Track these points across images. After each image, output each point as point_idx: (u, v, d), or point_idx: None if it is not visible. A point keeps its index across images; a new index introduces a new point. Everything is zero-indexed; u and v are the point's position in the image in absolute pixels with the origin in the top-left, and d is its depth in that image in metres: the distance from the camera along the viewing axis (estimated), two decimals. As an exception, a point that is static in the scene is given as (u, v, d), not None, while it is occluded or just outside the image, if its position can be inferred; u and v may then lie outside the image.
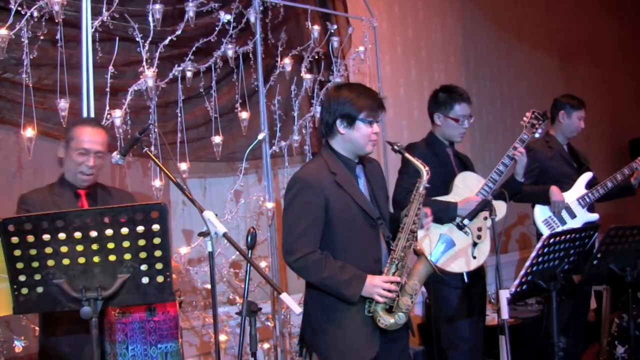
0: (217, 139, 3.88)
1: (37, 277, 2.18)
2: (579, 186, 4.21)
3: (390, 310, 2.77)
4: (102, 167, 2.98)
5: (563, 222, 4.12)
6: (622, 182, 4.26)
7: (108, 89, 3.39)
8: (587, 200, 4.17)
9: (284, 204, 2.88)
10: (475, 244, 3.51)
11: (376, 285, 2.72)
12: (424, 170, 2.83)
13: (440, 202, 3.48)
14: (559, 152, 4.32)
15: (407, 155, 2.86)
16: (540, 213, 4.16)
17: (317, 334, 2.83)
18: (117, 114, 3.38)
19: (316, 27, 4.38)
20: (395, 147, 2.86)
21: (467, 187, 3.59)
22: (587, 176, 4.24)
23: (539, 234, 4.17)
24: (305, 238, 2.75)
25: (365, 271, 2.76)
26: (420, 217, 2.84)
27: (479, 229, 3.52)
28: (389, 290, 2.73)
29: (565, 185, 4.19)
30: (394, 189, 3.59)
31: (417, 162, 2.84)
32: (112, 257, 2.20)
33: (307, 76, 4.34)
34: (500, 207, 3.45)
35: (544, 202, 4.14)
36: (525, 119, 3.77)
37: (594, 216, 4.19)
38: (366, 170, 2.95)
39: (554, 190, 4.11)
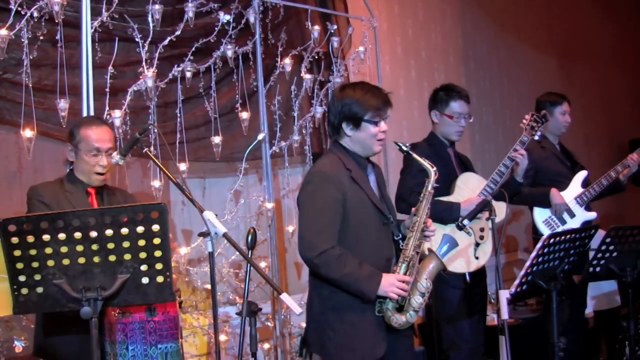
0: (217, 139, 3.87)
1: (37, 277, 2.18)
2: (575, 185, 4.20)
3: (400, 309, 2.77)
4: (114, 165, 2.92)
5: (563, 222, 4.12)
6: (616, 179, 4.25)
7: (108, 89, 3.39)
8: (585, 199, 4.16)
9: (300, 199, 2.82)
10: (477, 245, 3.51)
11: (392, 284, 2.70)
12: (432, 170, 2.84)
13: (444, 202, 3.49)
14: (553, 152, 4.29)
15: (415, 155, 2.86)
16: (540, 213, 4.14)
17: (325, 334, 2.77)
18: (117, 114, 3.38)
19: (316, 27, 4.38)
20: (403, 147, 2.88)
21: (468, 188, 3.59)
22: (582, 175, 4.23)
23: (538, 235, 4.16)
24: (326, 233, 2.71)
25: (378, 268, 2.75)
26: (428, 215, 2.84)
27: (482, 230, 3.52)
28: (403, 290, 2.73)
29: (561, 185, 4.17)
30: (397, 188, 3.61)
31: (425, 163, 2.85)
32: (112, 258, 2.20)
33: (307, 76, 4.34)
34: (501, 208, 3.45)
35: (543, 205, 4.12)
36: (524, 121, 3.76)
37: (592, 215, 4.18)
38: (375, 170, 2.96)
39: (554, 192, 4.08)
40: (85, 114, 3.26)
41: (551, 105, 4.25)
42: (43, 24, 3.19)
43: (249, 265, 2.66)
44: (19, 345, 3.08)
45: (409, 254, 2.79)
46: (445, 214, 3.44)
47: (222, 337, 3.92)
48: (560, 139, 4.38)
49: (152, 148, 3.54)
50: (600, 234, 3.27)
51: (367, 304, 2.74)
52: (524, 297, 3.34)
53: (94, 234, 2.16)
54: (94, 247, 2.18)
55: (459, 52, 6.32)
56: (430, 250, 2.84)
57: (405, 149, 2.88)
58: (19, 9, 3.11)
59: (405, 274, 2.78)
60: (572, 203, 4.15)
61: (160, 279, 2.24)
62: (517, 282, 3.02)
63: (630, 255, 3.26)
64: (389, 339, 2.80)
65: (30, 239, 2.14)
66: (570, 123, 4.37)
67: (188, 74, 3.70)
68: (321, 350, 2.82)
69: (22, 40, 3.14)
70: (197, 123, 4.00)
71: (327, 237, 2.71)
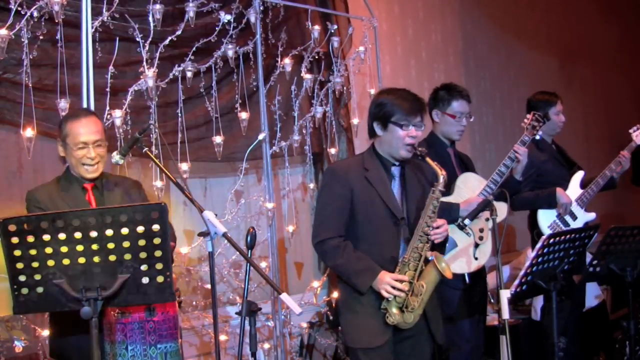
0: (218, 139, 3.87)
1: (37, 277, 2.18)
2: (574, 186, 4.17)
3: (402, 309, 2.84)
4: (106, 155, 2.89)
5: (567, 225, 4.09)
6: (611, 177, 4.23)
7: (108, 89, 3.39)
8: (585, 200, 4.14)
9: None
10: (477, 245, 3.51)
11: (384, 282, 2.81)
12: (441, 175, 2.89)
13: (443, 202, 3.48)
14: (552, 154, 4.26)
15: (428, 159, 2.92)
16: (545, 218, 4.08)
17: (340, 316, 3.06)
18: (117, 114, 3.38)
19: (316, 27, 4.38)
20: (418, 151, 2.93)
21: (468, 188, 3.58)
22: (579, 175, 4.20)
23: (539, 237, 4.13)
24: (327, 224, 2.92)
25: (380, 266, 2.86)
26: (433, 219, 2.89)
27: (481, 230, 3.52)
28: (396, 289, 2.80)
29: (561, 187, 4.15)
30: None
31: (436, 167, 2.91)
32: (112, 257, 2.20)
33: (307, 76, 4.34)
34: (501, 208, 3.45)
35: (549, 206, 4.07)
36: (526, 120, 3.75)
37: (592, 215, 4.16)
38: (405, 172, 3.02)
39: (560, 192, 4.03)
40: (85, 114, 3.26)
41: (546, 105, 4.17)
42: (43, 23, 3.19)
43: (248, 265, 2.66)
44: (19, 345, 3.09)
45: (409, 255, 2.87)
46: (444, 214, 3.43)
47: (222, 337, 3.93)
48: (555, 138, 4.35)
49: (152, 148, 3.54)
50: None
51: (368, 296, 2.87)
52: (524, 297, 3.34)
53: (94, 233, 2.16)
54: (94, 247, 2.18)
55: (459, 52, 6.32)
56: (437, 256, 2.86)
57: (419, 152, 2.93)
58: (19, 8, 3.11)
59: (405, 273, 2.85)
60: (574, 205, 4.13)
61: (160, 279, 2.24)
62: (517, 282, 3.02)
63: (630, 255, 3.26)
64: (397, 339, 2.89)
65: (31, 238, 2.14)
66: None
67: (189, 74, 3.70)
68: (341, 329, 3.15)
69: (22, 40, 3.14)
70: (197, 123, 4.00)
71: (327, 228, 2.92)
